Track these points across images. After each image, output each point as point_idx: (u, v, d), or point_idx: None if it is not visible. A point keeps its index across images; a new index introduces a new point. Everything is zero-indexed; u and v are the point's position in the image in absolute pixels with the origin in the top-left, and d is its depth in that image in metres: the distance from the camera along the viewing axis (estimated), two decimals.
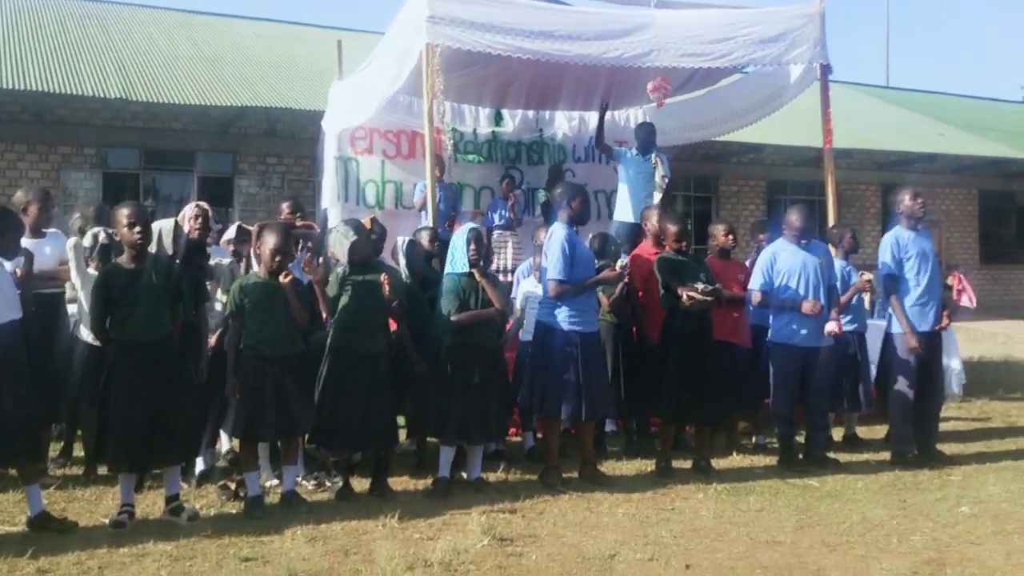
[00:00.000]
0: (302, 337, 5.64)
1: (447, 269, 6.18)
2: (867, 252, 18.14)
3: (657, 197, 9.33)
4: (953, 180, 21.82)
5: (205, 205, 6.33)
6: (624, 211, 9.46)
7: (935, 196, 21.04)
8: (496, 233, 10.14)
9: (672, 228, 6.72)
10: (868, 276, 7.06)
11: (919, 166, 20.49)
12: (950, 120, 23.52)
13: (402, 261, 6.44)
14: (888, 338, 7.16)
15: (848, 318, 7.43)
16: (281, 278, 5.49)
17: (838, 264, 7.47)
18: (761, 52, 8.75)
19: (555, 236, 6.19)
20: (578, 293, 6.11)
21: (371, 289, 5.76)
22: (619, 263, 6.39)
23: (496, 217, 10.34)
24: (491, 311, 6.05)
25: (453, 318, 5.94)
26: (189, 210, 6.24)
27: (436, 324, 6.07)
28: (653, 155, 9.45)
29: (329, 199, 10.10)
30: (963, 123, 23.32)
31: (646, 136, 9.50)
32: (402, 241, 6.56)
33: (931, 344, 7.00)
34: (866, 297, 8.02)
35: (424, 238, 6.90)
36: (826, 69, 9.30)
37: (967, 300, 8.78)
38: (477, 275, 5.99)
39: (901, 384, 6.95)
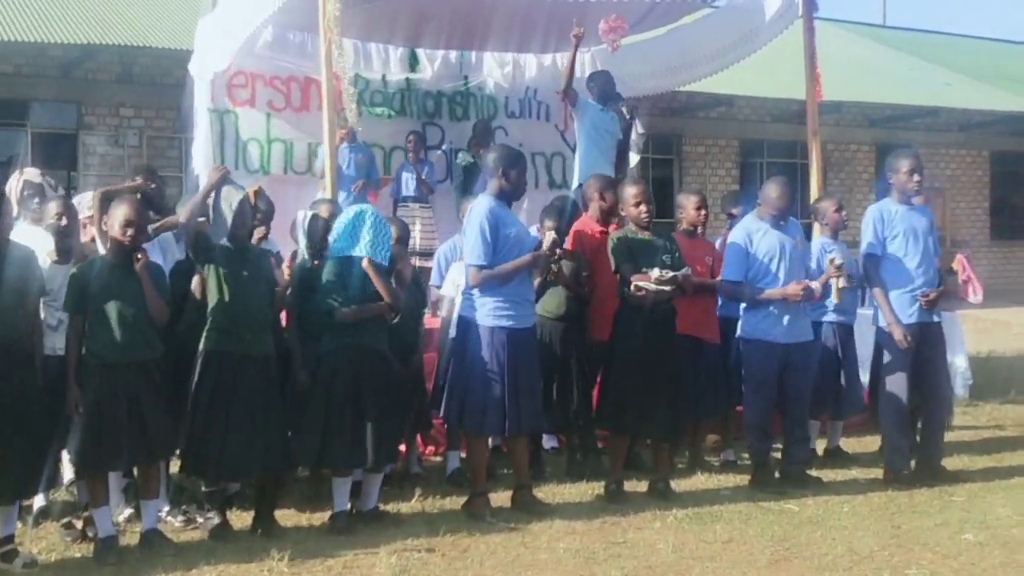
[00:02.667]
0: (161, 337, 5.59)
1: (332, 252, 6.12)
2: (857, 227, 18.59)
3: (635, 159, 9.38)
4: (960, 139, 22.37)
5: (35, 173, 6.25)
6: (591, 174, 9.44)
7: (938, 158, 21.58)
8: (401, 208, 10.13)
9: (631, 190, 6.77)
10: (838, 259, 7.13)
11: (920, 122, 20.99)
12: (957, 67, 24.00)
13: (302, 241, 6.37)
14: (877, 333, 7.30)
15: (830, 307, 7.48)
16: (134, 260, 5.43)
17: (819, 243, 7.62)
18: None
19: (475, 212, 6.22)
20: (505, 281, 6.14)
21: (255, 275, 5.73)
22: (547, 238, 6.38)
23: (404, 186, 10.32)
24: (380, 305, 6.02)
25: (337, 313, 5.91)
26: (14, 180, 6.16)
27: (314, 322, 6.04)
28: (622, 107, 9.45)
29: (201, 161, 10.00)
30: (973, 70, 23.82)
31: (603, 86, 9.50)
32: (303, 216, 6.49)
33: (928, 338, 7.15)
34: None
35: (323, 212, 6.86)
36: (811, 5, 9.47)
37: (972, 293, 9.01)
38: (365, 263, 5.95)
39: (892, 387, 7.10)
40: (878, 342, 7.27)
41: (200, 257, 5.70)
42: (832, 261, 7.03)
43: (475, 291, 6.17)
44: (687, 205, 7.46)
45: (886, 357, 7.14)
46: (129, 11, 15.83)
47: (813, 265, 7.28)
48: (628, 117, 9.44)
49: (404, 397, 6.42)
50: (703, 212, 7.43)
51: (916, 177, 7.14)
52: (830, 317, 7.58)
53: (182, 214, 5.93)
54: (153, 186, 6.69)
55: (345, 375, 5.90)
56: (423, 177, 10.22)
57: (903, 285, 7.08)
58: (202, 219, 5.95)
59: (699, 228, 7.50)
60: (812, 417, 7.49)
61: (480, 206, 6.23)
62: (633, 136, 9.42)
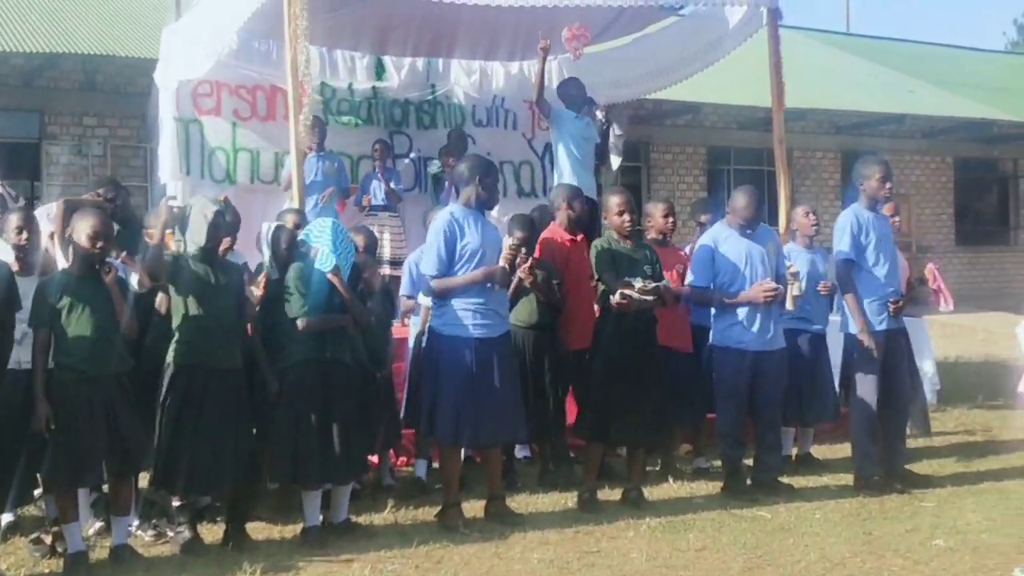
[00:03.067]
0: (131, 351, 5.58)
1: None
2: (824, 232, 18.72)
3: (616, 161, 9.42)
4: (924, 146, 22.61)
5: None
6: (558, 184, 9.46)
7: (903, 165, 21.78)
8: (369, 217, 10.10)
9: (615, 199, 6.81)
10: (794, 267, 7.21)
11: (885, 129, 21.21)
12: (921, 74, 24.26)
13: (266, 252, 6.37)
14: (846, 339, 7.37)
15: (797, 314, 7.51)
16: (103, 273, 5.41)
17: (786, 249, 7.72)
18: None
19: (436, 222, 6.30)
20: (458, 291, 6.17)
21: (223, 286, 5.73)
22: (504, 248, 6.39)
23: (371, 195, 10.28)
24: (344, 317, 6.04)
25: (300, 323, 5.90)
26: None
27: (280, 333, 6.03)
28: (596, 111, 9.49)
29: (167, 170, 10.02)
30: (937, 78, 24.09)
31: (574, 93, 9.53)
32: (268, 228, 6.49)
33: (895, 344, 7.24)
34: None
35: (289, 222, 6.85)
36: (775, 13, 9.56)
37: (944, 302, 9.11)
38: (331, 277, 5.95)
39: (862, 393, 7.17)
40: (848, 348, 7.34)
41: (171, 277, 5.67)
42: (789, 268, 7.12)
43: (437, 300, 6.23)
44: (655, 213, 7.50)
45: (856, 364, 7.21)
46: (92, 19, 15.70)
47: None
48: (604, 121, 9.48)
49: (374, 408, 6.43)
50: (671, 220, 7.48)
51: (888, 184, 7.23)
52: (801, 324, 7.63)
53: (141, 273, 5.83)
54: (112, 199, 6.62)
55: (313, 388, 5.90)
56: (391, 186, 10.21)
57: (874, 292, 7.15)
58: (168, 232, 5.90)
59: (668, 236, 7.55)
60: (784, 424, 7.53)
61: (441, 216, 6.29)
62: (611, 139, 9.44)
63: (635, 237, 6.89)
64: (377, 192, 10.21)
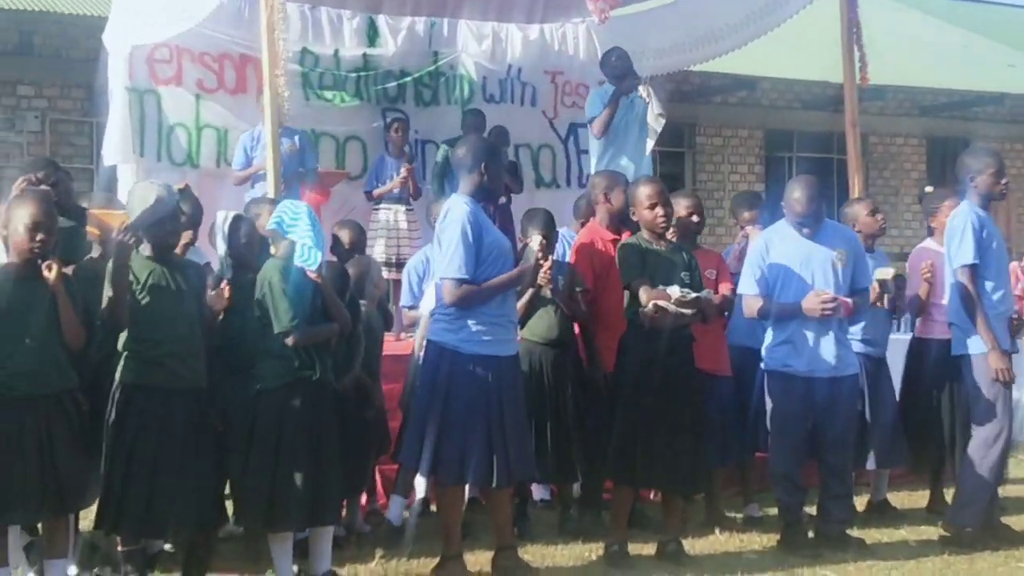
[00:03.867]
0: (76, 364, 5.58)
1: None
2: (905, 235, 18.68)
3: (650, 144, 9.44)
4: None
5: None
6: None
7: (1003, 155, 21.62)
8: (382, 211, 10.11)
9: (645, 190, 6.79)
10: (885, 274, 7.18)
11: (980, 111, 21.06)
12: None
13: (221, 247, 6.37)
14: (966, 364, 7.25)
15: (860, 333, 7.56)
16: (45, 271, 5.39)
17: None
18: None
19: (453, 215, 6.21)
20: (488, 299, 6.17)
21: (181, 291, 5.74)
22: (532, 242, 6.39)
23: (383, 185, 10.26)
24: (332, 328, 6.06)
25: (291, 339, 5.91)
26: None
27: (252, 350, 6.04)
28: (640, 84, 9.54)
29: (118, 151, 10.04)
30: None
31: (619, 65, 9.58)
32: (224, 217, 6.49)
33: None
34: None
35: (264, 213, 6.86)
36: None
37: None
38: (315, 277, 5.94)
39: (991, 427, 7.07)
40: (972, 373, 7.19)
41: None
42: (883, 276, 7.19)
43: (451, 311, 6.18)
44: (677, 209, 7.39)
45: (982, 392, 7.11)
46: None
47: None
48: (646, 99, 9.48)
49: (366, 438, 6.43)
50: (696, 216, 7.49)
51: (1004, 179, 7.26)
52: (856, 347, 7.56)
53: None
54: (52, 183, 6.60)
55: (297, 417, 5.88)
56: (412, 176, 10.17)
57: (996, 306, 7.15)
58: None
59: (696, 236, 7.59)
60: (855, 467, 7.54)
61: (458, 208, 6.21)
62: (649, 118, 9.43)
63: (667, 237, 6.85)
64: (392, 178, 10.19)
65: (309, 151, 10.11)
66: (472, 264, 6.09)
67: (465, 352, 6.15)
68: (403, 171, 10.14)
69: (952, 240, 7.17)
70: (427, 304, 7.25)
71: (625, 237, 7.18)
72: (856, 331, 7.47)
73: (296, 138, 9.80)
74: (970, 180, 7.28)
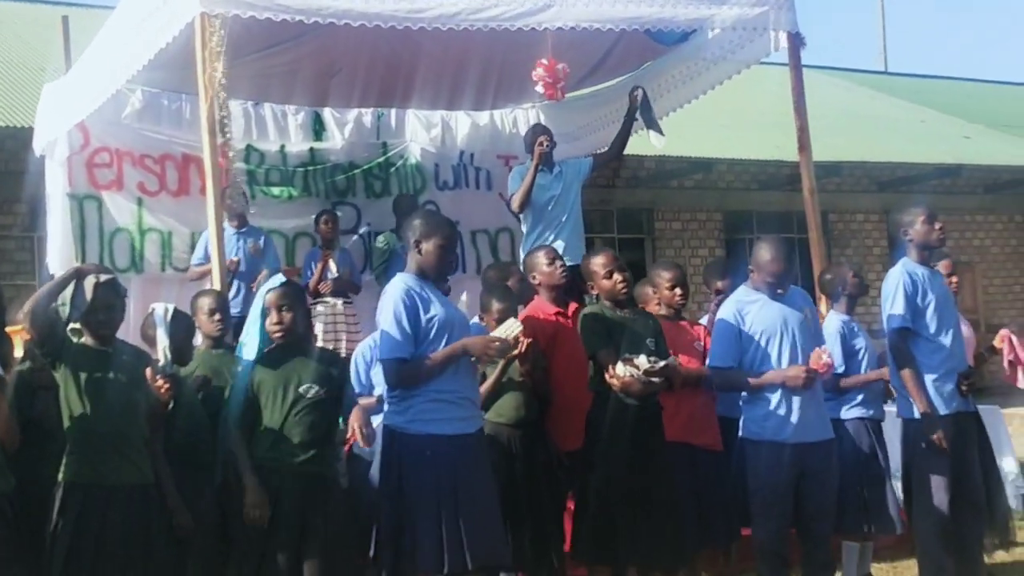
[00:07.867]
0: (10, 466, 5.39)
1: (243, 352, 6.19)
2: (872, 312, 18.70)
3: (660, 140, 9.70)
4: (987, 202, 22.73)
5: None
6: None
7: (963, 227, 21.87)
8: (320, 305, 10.05)
9: (599, 259, 6.77)
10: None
11: (937, 183, 21.26)
12: (978, 117, 24.56)
13: (163, 341, 6.22)
14: (907, 428, 7.20)
15: (857, 399, 7.58)
16: None
17: (837, 320, 7.70)
18: (697, 11, 8.79)
19: (388, 295, 6.13)
20: (430, 377, 6.02)
21: (123, 381, 5.66)
22: (511, 328, 6.28)
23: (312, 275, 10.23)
24: None
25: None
26: None
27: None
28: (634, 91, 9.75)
29: (59, 259, 10.00)
30: (997, 120, 24.36)
31: (528, 135, 9.73)
32: (164, 311, 6.36)
33: (966, 432, 7.10)
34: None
35: (204, 307, 6.76)
36: (797, 39, 9.61)
37: (1021, 376, 9.02)
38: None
39: (931, 492, 6.99)
40: (908, 438, 7.17)
41: (51, 350, 5.60)
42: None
43: (397, 392, 6.07)
44: (660, 283, 7.42)
45: (920, 457, 7.04)
46: None
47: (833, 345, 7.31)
48: (638, 95, 9.66)
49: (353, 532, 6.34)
50: (680, 291, 7.41)
51: (938, 225, 7.17)
52: (856, 412, 7.57)
53: (27, 302, 5.78)
54: None
55: (287, 511, 5.86)
56: (336, 271, 10.13)
57: (937, 368, 7.04)
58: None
59: (680, 309, 7.52)
60: (843, 536, 7.47)
61: (393, 288, 6.13)
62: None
63: (631, 304, 6.82)
64: (325, 276, 10.16)
65: (271, 251, 10.08)
66: (409, 342, 5.99)
67: (411, 432, 6.01)
68: (319, 263, 10.25)
69: (885, 302, 7.13)
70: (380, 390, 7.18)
71: (572, 308, 7.18)
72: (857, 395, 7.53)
73: (261, 239, 9.81)
74: (904, 235, 7.22)
